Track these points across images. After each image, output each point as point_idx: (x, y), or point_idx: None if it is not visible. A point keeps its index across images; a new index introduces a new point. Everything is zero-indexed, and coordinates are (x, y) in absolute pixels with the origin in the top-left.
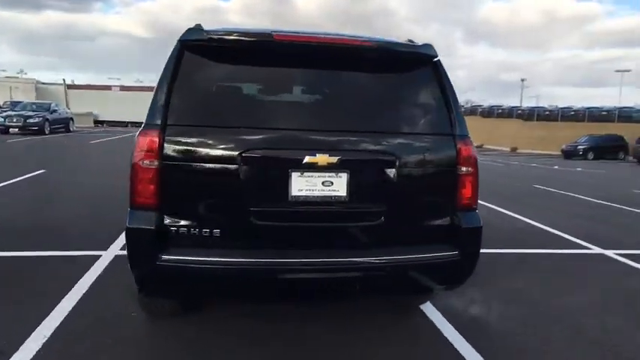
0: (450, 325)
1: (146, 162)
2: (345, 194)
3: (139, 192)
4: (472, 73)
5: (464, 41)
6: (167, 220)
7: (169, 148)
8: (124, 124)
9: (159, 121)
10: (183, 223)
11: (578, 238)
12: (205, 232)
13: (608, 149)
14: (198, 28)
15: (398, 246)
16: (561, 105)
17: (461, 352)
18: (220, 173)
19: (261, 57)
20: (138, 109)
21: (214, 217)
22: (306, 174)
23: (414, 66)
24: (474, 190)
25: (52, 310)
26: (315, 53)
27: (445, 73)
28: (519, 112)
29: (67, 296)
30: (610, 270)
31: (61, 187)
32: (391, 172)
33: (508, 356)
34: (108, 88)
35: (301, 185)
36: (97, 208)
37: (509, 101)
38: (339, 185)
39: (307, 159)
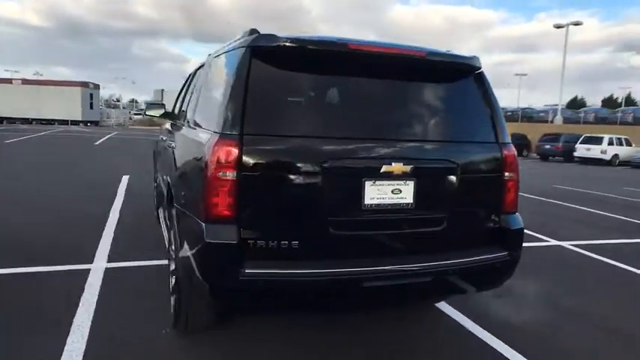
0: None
1: (224, 173)
2: (411, 201)
3: (216, 204)
4: None
5: None
6: (247, 233)
7: (247, 159)
8: (27, 121)
9: (235, 131)
10: (262, 235)
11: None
12: (284, 243)
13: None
14: (269, 34)
15: (458, 250)
16: None
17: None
18: (299, 183)
19: (333, 65)
20: (45, 105)
21: (293, 228)
22: (377, 182)
23: (466, 76)
24: (516, 194)
25: (69, 335)
26: (384, 63)
27: (489, 82)
28: None
29: (77, 318)
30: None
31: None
32: (452, 179)
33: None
34: (7, 81)
35: (373, 194)
36: (58, 217)
37: None
38: (406, 193)
39: (384, 168)
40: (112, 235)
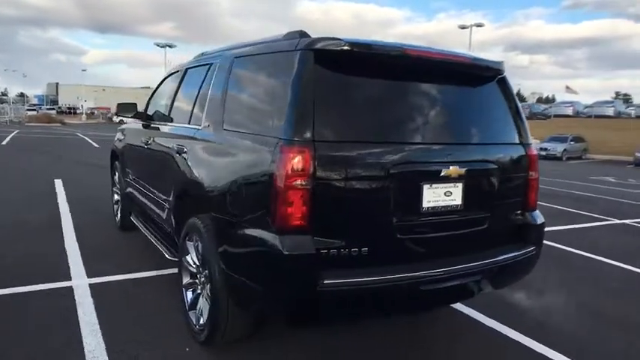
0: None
1: (299, 182)
2: (460, 203)
3: (291, 214)
4: None
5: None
6: (321, 242)
7: (319, 166)
8: None
9: (307, 137)
10: (334, 243)
11: None
12: (354, 250)
13: None
14: (331, 37)
15: (497, 247)
16: None
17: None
18: (367, 189)
19: (392, 70)
20: None
21: (363, 234)
22: (434, 186)
23: (497, 80)
24: (537, 192)
25: None
26: (437, 69)
27: (511, 85)
28: None
29: (88, 344)
30: None
31: None
32: (493, 179)
33: None
34: None
35: (430, 197)
36: (6, 232)
37: None
38: (456, 195)
39: (444, 172)
40: (77, 248)
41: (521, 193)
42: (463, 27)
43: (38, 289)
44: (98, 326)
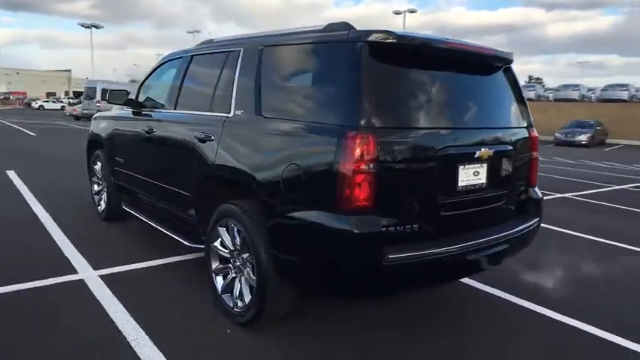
0: None
1: (365, 166)
2: (484, 181)
3: (359, 196)
4: None
5: (213, 19)
6: (384, 221)
7: (381, 151)
8: None
9: (371, 124)
10: (393, 221)
11: None
12: (408, 227)
13: None
14: (383, 30)
15: (513, 220)
16: None
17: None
18: (419, 171)
19: (434, 61)
20: None
21: (415, 212)
22: (467, 166)
23: (507, 69)
24: (537, 169)
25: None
26: (469, 59)
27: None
28: None
29: (132, 337)
30: None
31: None
32: (509, 160)
33: None
34: None
35: (463, 177)
36: None
37: None
38: (482, 174)
39: (477, 153)
40: (68, 241)
41: (526, 171)
42: (397, 12)
43: (49, 283)
44: (129, 315)
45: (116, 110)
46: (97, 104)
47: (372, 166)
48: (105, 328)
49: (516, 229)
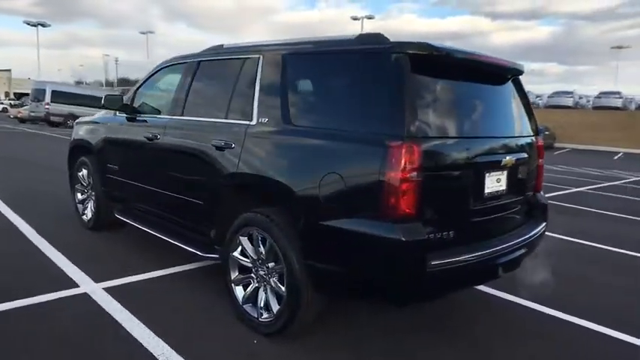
0: None
1: (410, 175)
2: (505, 188)
3: (406, 205)
4: (173, 51)
5: (163, 19)
6: (426, 228)
7: (424, 160)
8: None
9: (415, 134)
10: (434, 228)
11: None
12: (445, 234)
13: None
14: (421, 43)
15: (526, 225)
16: None
17: None
18: (455, 178)
19: (465, 73)
20: None
21: (452, 218)
22: (492, 174)
23: (517, 80)
24: (543, 176)
25: None
26: (492, 72)
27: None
28: None
29: (154, 350)
30: None
31: None
32: (524, 167)
33: None
34: None
35: (489, 184)
36: None
37: None
38: (503, 181)
39: (503, 161)
40: (59, 253)
41: (534, 178)
42: (355, 18)
43: (52, 298)
44: (148, 329)
45: (102, 115)
46: (46, 107)
47: (415, 174)
48: (126, 343)
49: (531, 234)
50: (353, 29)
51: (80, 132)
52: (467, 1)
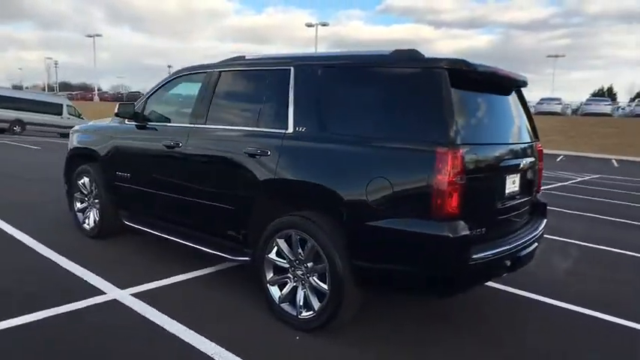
0: None
1: (456, 178)
2: (518, 189)
3: (453, 205)
4: (117, 55)
5: (105, 21)
6: (468, 226)
7: (467, 164)
8: None
9: (458, 142)
10: (472, 225)
11: None
12: (479, 230)
13: None
14: (460, 59)
15: (532, 222)
16: None
17: None
18: (488, 180)
19: (491, 86)
20: None
21: (484, 216)
22: (511, 176)
23: (520, 91)
24: (542, 178)
25: None
26: (509, 84)
27: None
28: None
29: (202, 346)
30: None
31: None
32: (531, 170)
33: None
34: None
35: (508, 185)
36: None
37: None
38: (517, 183)
39: (521, 165)
40: (72, 263)
41: (536, 179)
42: (310, 25)
43: (82, 305)
44: (193, 331)
45: (106, 122)
46: None
47: (460, 178)
48: (176, 345)
49: (540, 229)
50: (303, 35)
51: (80, 140)
52: (411, 9)
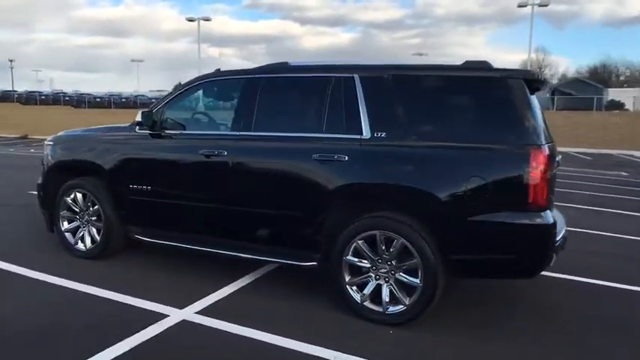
0: None
1: (545, 174)
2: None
3: (543, 197)
4: None
5: None
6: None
7: (547, 160)
8: None
9: (544, 142)
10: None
11: None
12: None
13: None
14: (528, 70)
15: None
16: (83, 91)
17: None
18: (552, 174)
19: (536, 89)
20: None
21: (552, 205)
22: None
23: None
24: None
25: None
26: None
27: None
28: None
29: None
30: None
31: None
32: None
33: None
34: None
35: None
36: None
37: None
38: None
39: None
40: (96, 287)
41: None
42: (191, 19)
43: (160, 330)
44: (285, 337)
45: (105, 130)
46: None
47: (546, 173)
48: (281, 354)
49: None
50: (167, 28)
51: (65, 152)
52: (277, 5)
